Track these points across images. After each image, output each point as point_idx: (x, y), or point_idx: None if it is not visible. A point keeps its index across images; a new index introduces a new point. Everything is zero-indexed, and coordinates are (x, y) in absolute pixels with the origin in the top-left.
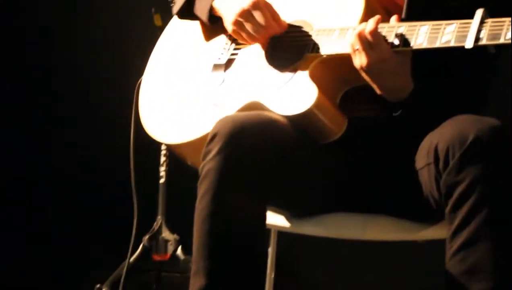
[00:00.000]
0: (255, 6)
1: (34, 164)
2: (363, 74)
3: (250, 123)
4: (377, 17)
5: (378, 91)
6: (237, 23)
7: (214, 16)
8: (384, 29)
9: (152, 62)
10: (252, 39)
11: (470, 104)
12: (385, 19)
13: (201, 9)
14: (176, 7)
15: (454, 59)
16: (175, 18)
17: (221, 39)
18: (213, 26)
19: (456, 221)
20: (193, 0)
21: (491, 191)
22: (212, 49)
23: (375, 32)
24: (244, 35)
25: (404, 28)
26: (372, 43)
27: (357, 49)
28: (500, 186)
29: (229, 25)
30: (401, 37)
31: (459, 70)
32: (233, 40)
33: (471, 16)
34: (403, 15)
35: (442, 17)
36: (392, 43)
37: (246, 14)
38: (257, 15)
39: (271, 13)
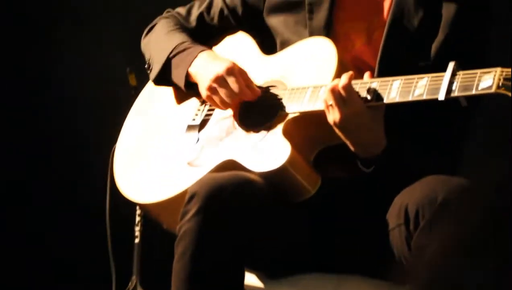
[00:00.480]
0: (229, 72)
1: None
2: (337, 130)
3: (227, 184)
4: (350, 72)
5: (351, 148)
6: (210, 88)
7: (190, 82)
8: (357, 85)
9: (128, 122)
10: (225, 105)
11: (442, 161)
12: (358, 78)
13: (178, 76)
14: (152, 74)
15: (426, 114)
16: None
17: (196, 101)
18: (190, 91)
19: None
20: (169, 67)
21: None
22: (187, 110)
23: (348, 87)
24: (217, 100)
25: (376, 83)
26: (345, 98)
27: (330, 105)
28: None
29: (203, 91)
30: (373, 92)
31: (432, 125)
32: (206, 106)
33: (439, 71)
34: (375, 75)
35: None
36: (365, 98)
37: (220, 80)
38: (231, 82)
39: (244, 80)
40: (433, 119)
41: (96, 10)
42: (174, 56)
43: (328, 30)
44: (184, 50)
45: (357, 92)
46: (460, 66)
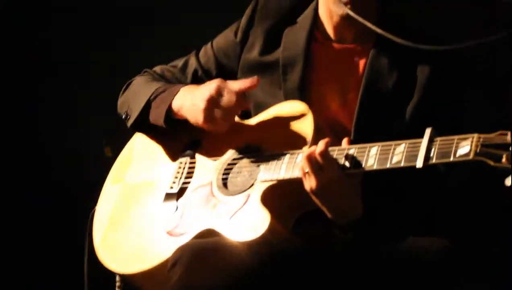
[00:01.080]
0: (220, 88)
1: None
2: (313, 197)
3: (209, 251)
4: (327, 139)
5: (328, 214)
6: (206, 110)
7: (172, 119)
8: (334, 151)
9: (105, 190)
10: (225, 120)
11: (420, 224)
12: (333, 140)
13: (157, 114)
14: (130, 120)
15: (403, 179)
16: (129, 143)
17: (172, 167)
18: (165, 145)
19: None
20: (149, 110)
21: None
22: (163, 177)
23: (324, 154)
24: (216, 120)
25: (354, 150)
26: (322, 165)
27: (307, 172)
28: None
29: (199, 115)
30: (351, 159)
31: (409, 190)
32: (185, 167)
33: (417, 135)
34: (351, 138)
35: (390, 138)
36: (343, 165)
37: (215, 98)
38: (226, 93)
39: (235, 90)
40: (411, 183)
41: (73, 78)
42: (154, 98)
43: (302, 92)
44: (163, 91)
45: (335, 159)
46: (436, 130)
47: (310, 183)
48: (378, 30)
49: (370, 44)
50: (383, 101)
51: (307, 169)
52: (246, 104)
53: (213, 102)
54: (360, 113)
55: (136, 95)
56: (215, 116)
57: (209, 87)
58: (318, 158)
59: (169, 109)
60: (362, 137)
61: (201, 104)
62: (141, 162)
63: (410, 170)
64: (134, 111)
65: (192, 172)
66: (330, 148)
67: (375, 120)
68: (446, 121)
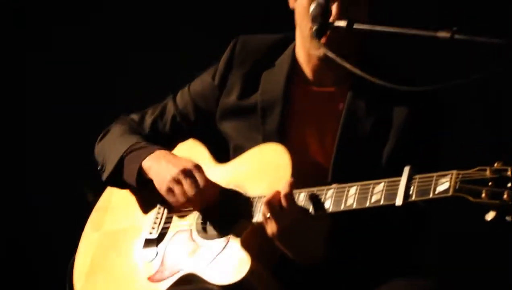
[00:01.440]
0: (190, 170)
1: None
2: (276, 242)
3: None
4: (290, 180)
5: (291, 257)
6: (174, 181)
7: (144, 178)
8: (298, 193)
9: (85, 237)
10: (187, 205)
11: (403, 264)
12: (313, 183)
13: (129, 173)
14: (105, 174)
15: (382, 218)
16: (108, 189)
17: (151, 213)
18: (142, 192)
19: None
20: (122, 165)
21: None
22: (142, 223)
23: (286, 198)
24: (178, 200)
25: (333, 190)
26: (284, 208)
27: (268, 217)
28: None
29: (163, 186)
30: (315, 200)
31: (389, 229)
32: (164, 212)
33: (394, 176)
34: (329, 179)
35: (367, 179)
36: (305, 208)
37: (184, 173)
38: (197, 177)
39: (206, 179)
40: (391, 221)
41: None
42: (128, 154)
43: (281, 135)
44: (139, 148)
45: (295, 202)
46: (414, 170)
47: (271, 228)
48: (355, 70)
49: (348, 86)
50: (360, 143)
51: (268, 214)
52: (214, 192)
53: (178, 180)
54: (338, 156)
55: (110, 147)
56: (177, 193)
57: (184, 163)
58: (282, 200)
59: (140, 168)
60: (340, 179)
61: (166, 178)
62: (120, 208)
63: (391, 209)
64: (108, 166)
65: (171, 217)
66: (307, 189)
67: (352, 162)
68: (422, 162)
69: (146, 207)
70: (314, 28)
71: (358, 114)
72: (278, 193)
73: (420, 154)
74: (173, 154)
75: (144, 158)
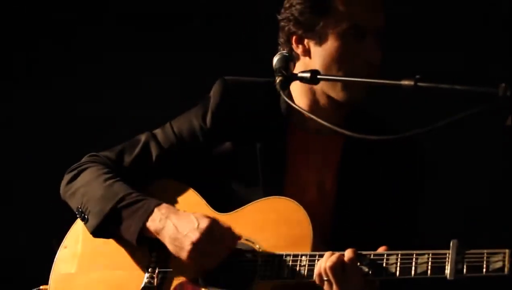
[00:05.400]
0: (210, 229)
1: None
2: None
3: None
4: (353, 249)
5: None
6: (195, 250)
7: (143, 236)
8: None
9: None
10: (215, 262)
11: None
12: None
13: (128, 230)
14: (90, 225)
15: None
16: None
17: (142, 259)
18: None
19: None
20: (115, 219)
21: None
22: (135, 270)
23: (352, 264)
24: (204, 260)
25: (373, 256)
26: (348, 275)
27: (327, 280)
28: None
29: (183, 252)
30: (371, 266)
31: None
32: (160, 262)
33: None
34: (330, 231)
35: (367, 229)
36: (365, 273)
37: (205, 241)
38: (218, 237)
39: (225, 230)
40: None
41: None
42: (122, 207)
43: (281, 183)
44: (134, 202)
45: (360, 269)
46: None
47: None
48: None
49: (343, 134)
50: (359, 190)
51: (326, 278)
52: (235, 242)
53: (200, 247)
54: (339, 205)
55: (92, 193)
56: (199, 258)
57: (199, 227)
58: (345, 268)
59: (143, 229)
60: (341, 229)
61: (187, 245)
62: (98, 252)
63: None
64: (94, 216)
65: (168, 261)
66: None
67: (352, 211)
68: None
69: (134, 255)
70: (278, 80)
71: (355, 164)
72: (341, 256)
73: (409, 203)
74: (176, 210)
75: (147, 218)
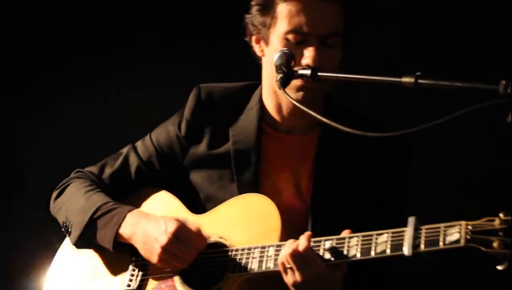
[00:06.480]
0: (178, 231)
1: None
2: None
3: None
4: (308, 233)
5: None
6: (164, 252)
7: (119, 242)
8: (313, 244)
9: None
10: (183, 263)
11: None
12: (291, 229)
13: (104, 238)
14: (72, 237)
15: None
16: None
17: (124, 264)
18: (117, 253)
19: None
20: (92, 229)
21: None
22: (117, 276)
23: (308, 250)
24: (172, 261)
25: (331, 241)
26: (307, 261)
27: (290, 267)
28: None
29: (152, 255)
30: (333, 251)
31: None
32: (139, 265)
33: (369, 217)
34: (308, 228)
35: (344, 222)
36: (325, 259)
37: (173, 242)
38: (184, 238)
39: (193, 232)
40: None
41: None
42: (98, 217)
43: (256, 184)
44: (108, 211)
45: (318, 254)
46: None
47: (293, 278)
48: (325, 121)
49: (317, 132)
50: (334, 187)
51: (289, 265)
52: (204, 244)
53: (168, 248)
54: (315, 202)
55: (73, 206)
56: (170, 258)
57: (166, 229)
58: (302, 254)
59: (117, 235)
60: (318, 224)
61: (157, 249)
62: (83, 263)
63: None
64: (75, 228)
65: (147, 266)
66: (326, 238)
67: (329, 207)
68: (392, 205)
69: (116, 260)
70: (279, 77)
71: (330, 159)
72: (298, 245)
73: (389, 197)
74: (147, 214)
75: (120, 225)
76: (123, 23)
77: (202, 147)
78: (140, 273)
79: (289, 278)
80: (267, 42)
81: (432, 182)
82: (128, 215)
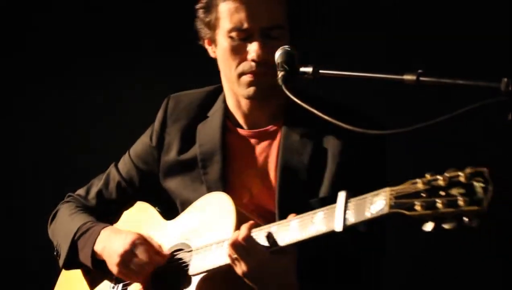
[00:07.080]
0: (134, 245)
1: None
2: (247, 281)
3: None
4: (250, 222)
5: None
6: (121, 264)
7: (97, 260)
8: (256, 233)
9: None
10: (138, 276)
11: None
12: (262, 224)
13: (85, 256)
14: (60, 260)
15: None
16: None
17: (107, 279)
18: (98, 270)
19: None
20: (75, 249)
21: None
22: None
23: (248, 238)
24: (130, 274)
25: (276, 227)
26: (248, 249)
27: (235, 258)
28: None
29: (113, 267)
30: (272, 237)
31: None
32: (117, 278)
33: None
34: (276, 219)
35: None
36: (266, 246)
37: (128, 254)
38: (139, 252)
39: (151, 247)
40: (346, 251)
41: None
42: (78, 238)
43: (224, 182)
44: (86, 230)
45: (257, 242)
46: (354, 193)
47: (240, 268)
48: (323, 116)
49: (281, 123)
50: (300, 176)
51: (234, 255)
52: (163, 260)
53: (125, 260)
54: (281, 193)
55: (61, 231)
56: (128, 270)
57: (126, 239)
58: (242, 243)
59: (93, 252)
60: (286, 214)
61: (116, 258)
62: (74, 280)
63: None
64: (63, 251)
65: (128, 284)
66: (253, 229)
67: (296, 196)
68: (365, 183)
69: (101, 276)
70: (280, 74)
71: (294, 148)
72: (239, 234)
73: (359, 178)
74: (118, 230)
75: (94, 243)
76: (123, 23)
77: (172, 154)
78: (121, 284)
79: (238, 269)
80: (215, 43)
81: None
82: (102, 232)
